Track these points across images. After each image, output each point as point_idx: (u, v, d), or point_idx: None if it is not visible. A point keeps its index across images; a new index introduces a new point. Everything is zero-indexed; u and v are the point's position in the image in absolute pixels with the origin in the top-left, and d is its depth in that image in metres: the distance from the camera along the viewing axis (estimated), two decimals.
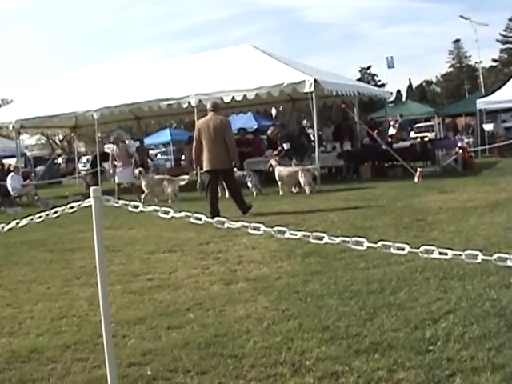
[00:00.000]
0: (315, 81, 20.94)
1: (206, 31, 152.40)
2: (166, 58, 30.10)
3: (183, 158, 47.35)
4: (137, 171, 21.16)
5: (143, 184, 20.55)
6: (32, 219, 4.73)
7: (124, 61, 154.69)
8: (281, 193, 19.22)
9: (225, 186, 16.48)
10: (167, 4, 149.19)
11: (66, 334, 6.38)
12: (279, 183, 19.24)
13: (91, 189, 4.31)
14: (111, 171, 22.96)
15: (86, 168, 39.28)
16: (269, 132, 23.62)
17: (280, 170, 19.17)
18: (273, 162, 19.62)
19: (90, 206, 4.55)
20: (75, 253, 11.16)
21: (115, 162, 21.95)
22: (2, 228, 4.76)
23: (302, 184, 18.69)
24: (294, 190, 19.47)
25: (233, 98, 22.37)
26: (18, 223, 4.80)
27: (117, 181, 21.87)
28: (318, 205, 15.53)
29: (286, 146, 20.72)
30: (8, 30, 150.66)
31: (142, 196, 19.86)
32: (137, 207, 4.29)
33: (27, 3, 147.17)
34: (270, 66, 23.64)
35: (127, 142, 28.12)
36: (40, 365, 5.51)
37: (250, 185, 19.55)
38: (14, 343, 6.23)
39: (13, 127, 27.60)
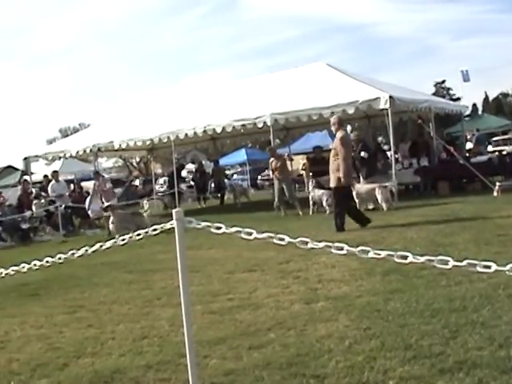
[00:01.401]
0: (390, 97, 20.75)
1: (278, 50, 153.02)
2: (239, 78, 30.27)
3: (259, 177, 47.56)
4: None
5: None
6: (115, 242, 4.79)
7: (196, 82, 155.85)
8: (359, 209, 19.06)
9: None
10: (239, 24, 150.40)
11: (148, 354, 6.41)
12: (357, 200, 19.11)
13: (173, 211, 4.33)
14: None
15: (163, 189, 39.66)
16: (352, 135, 23.59)
17: (358, 188, 19.03)
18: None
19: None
20: (155, 274, 11.27)
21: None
22: (86, 250, 4.83)
23: (380, 201, 18.52)
24: (370, 206, 19.30)
25: (309, 116, 22.35)
26: (101, 246, 4.87)
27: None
28: (396, 221, 15.35)
29: (363, 154, 20.64)
30: (82, 54, 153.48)
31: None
32: (219, 228, 4.29)
33: (101, 26, 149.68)
34: (344, 83, 23.53)
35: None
36: None
37: (324, 204, 19.43)
38: (97, 363, 6.29)
39: (91, 151, 28.05)
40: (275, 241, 4.16)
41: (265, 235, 4.17)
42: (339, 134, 15.08)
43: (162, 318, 7.88)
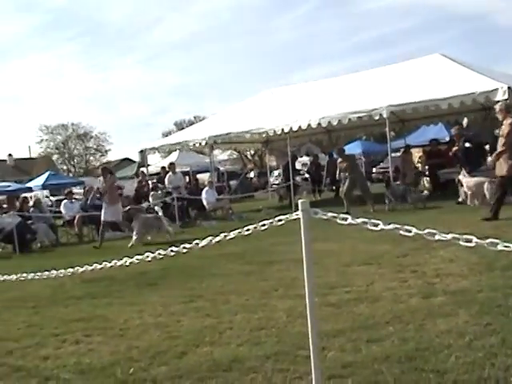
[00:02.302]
0: (509, 88, 20.22)
1: (391, 43, 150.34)
2: (352, 71, 30.00)
3: (374, 170, 47.17)
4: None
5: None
6: (240, 232, 4.81)
7: (310, 75, 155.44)
8: (469, 203, 18.65)
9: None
10: (350, 17, 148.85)
11: (266, 344, 6.43)
12: (468, 193, 18.69)
13: (299, 202, 4.31)
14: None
15: (277, 182, 39.83)
16: (452, 130, 23.19)
17: (467, 181, 18.64)
18: (460, 176, 19.17)
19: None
20: (273, 265, 11.34)
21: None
22: (210, 241, 4.87)
23: (488, 196, 17.96)
24: (476, 201, 18.81)
25: (426, 108, 22.02)
26: (226, 236, 4.89)
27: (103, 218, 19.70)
28: None
29: (467, 144, 20.26)
30: (197, 48, 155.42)
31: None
32: (345, 219, 4.25)
33: (215, 21, 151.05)
34: (460, 74, 23.08)
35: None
36: (241, 374, 5.59)
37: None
38: (215, 352, 6.35)
39: (206, 143, 28.40)
40: (401, 232, 4.09)
41: (391, 226, 4.10)
42: (507, 121, 14.66)
43: (279, 309, 7.89)
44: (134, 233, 18.03)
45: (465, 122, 41.96)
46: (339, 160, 22.05)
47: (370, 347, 5.96)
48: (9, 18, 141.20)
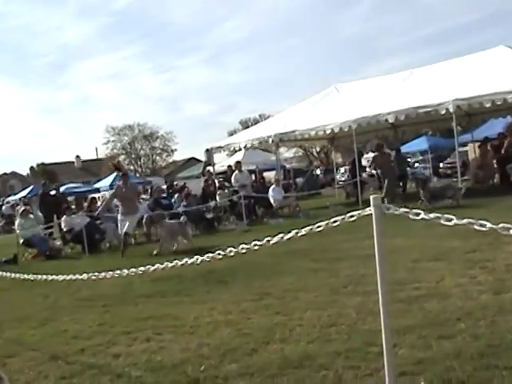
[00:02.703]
0: None
1: (455, 36, 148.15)
2: (418, 65, 29.71)
3: (441, 165, 46.59)
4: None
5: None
6: (311, 229, 4.82)
7: (374, 71, 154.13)
8: None
9: None
10: (414, 10, 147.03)
11: (336, 341, 6.43)
12: None
13: (371, 197, 4.31)
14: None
15: (343, 179, 39.71)
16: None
17: None
18: None
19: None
20: (341, 262, 11.32)
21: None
22: (282, 238, 4.89)
23: None
24: None
25: (492, 102, 21.70)
26: (297, 233, 4.90)
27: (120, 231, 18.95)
28: None
29: None
30: (259, 47, 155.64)
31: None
32: (418, 214, 4.23)
33: (278, 16, 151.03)
34: None
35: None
36: (312, 371, 5.60)
37: None
38: (286, 349, 6.38)
39: (272, 141, 28.46)
40: (476, 227, 4.04)
41: (465, 221, 4.06)
42: None
43: (348, 306, 7.88)
44: (161, 240, 17.94)
45: None
46: (376, 154, 22.04)
47: (441, 344, 5.92)
48: (73, 21, 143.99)
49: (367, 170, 35.14)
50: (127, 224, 18.08)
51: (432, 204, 19.14)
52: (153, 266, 6.39)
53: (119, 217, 18.65)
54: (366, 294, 8.00)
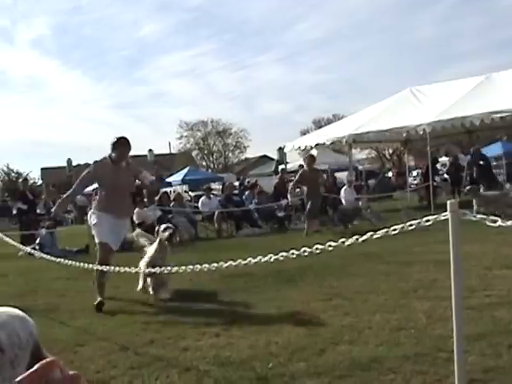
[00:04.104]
0: None
1: None
2: (495, 69, 29.29)
3: None
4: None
5: None
6: (387, 231, 4.84)
7: (450, 74, 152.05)
8: None
9: None
10: (493, 13, 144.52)
11: (405, 345, 6.43)
12: None
13: (448, 202, 4.31)
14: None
15: (415, 182, 39.37)
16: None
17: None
18: None
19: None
20: (411, 266, 11.25)
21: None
22: (357, 239, 4.92)
23: None
24: None
25: None
26: (372, 235, 4.93)
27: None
28: None
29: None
30: (334, 47, 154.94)
31: None
32: (495, 221, 4.22)
33: (353, 18, 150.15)
34: None
35: None
36: (380, 374, 5.61)
37: None
38: (354, 351, 6.40)
39: (345, 141, 28.39)
40: None
41: None
42: None
43: (418, 310, 7.86)
44: None
45: None
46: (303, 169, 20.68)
47: None
48: (150, 17, 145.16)
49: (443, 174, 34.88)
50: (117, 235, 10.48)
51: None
52: (225, 262, 6.46)
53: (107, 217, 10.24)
54: (436, 299, 7.97)
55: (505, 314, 7.35)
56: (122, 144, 10.08)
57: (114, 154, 10.09)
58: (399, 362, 5.89)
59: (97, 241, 10.25)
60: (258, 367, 6.11)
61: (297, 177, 20.87)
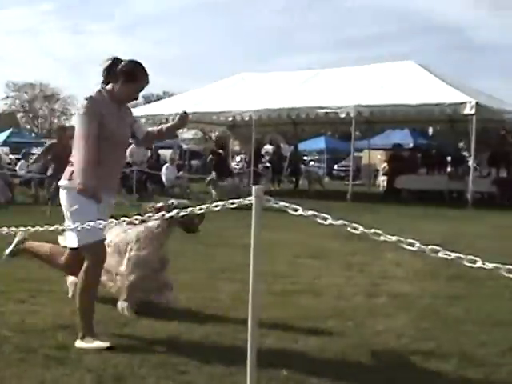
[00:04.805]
0: (477, 104, 20.61)
1: (372, 43, 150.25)
2: (328, 66, 30.06)
3: (335, 167, 47.44)
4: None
5: None
6: (193, 210, 4.86)
7: (285, 64, 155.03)
8: None
9: None
10: (339, 12, 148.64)
11: (207, 325, 6.48)
12: None
13: (253, 187, 4.37)
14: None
15: (239, 167, 39.87)
16: None
17: None
18: None
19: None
20: (220, 247, 11.54)
21: None
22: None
23: None
24: None
25: (393, 113, 22.34)
26: (178, 212, 4.94)
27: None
28: (468, 229, 15.22)
29: None
30: (175, 23, 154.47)
31: None
32: (296, 210, 4.32)
33: None
34: (432, 84, 23.51)
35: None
36: (180, 353, 5.65)
37: None
38: (157, 326, 6.39)
39: (172, 119, 28.25)
40: (349, 229, 4.19)
41: (339, 222, 4.20)
42: None
43: (222, 290, 8.07)
44: None
45: (430, 131, 42.48)
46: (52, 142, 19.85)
47: (308, 339, 6.05)
48: None
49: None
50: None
51: None
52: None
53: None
54: (241, 283, 8.10)
55: (307, 301, 7.58)
56: (145, 74, 6.32)
57: (123, 87, 6.13)
58: (200, 339, 5.97)
59: (88, 242, 5.77)
60: (60, 336, 6.00)
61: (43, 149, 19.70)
